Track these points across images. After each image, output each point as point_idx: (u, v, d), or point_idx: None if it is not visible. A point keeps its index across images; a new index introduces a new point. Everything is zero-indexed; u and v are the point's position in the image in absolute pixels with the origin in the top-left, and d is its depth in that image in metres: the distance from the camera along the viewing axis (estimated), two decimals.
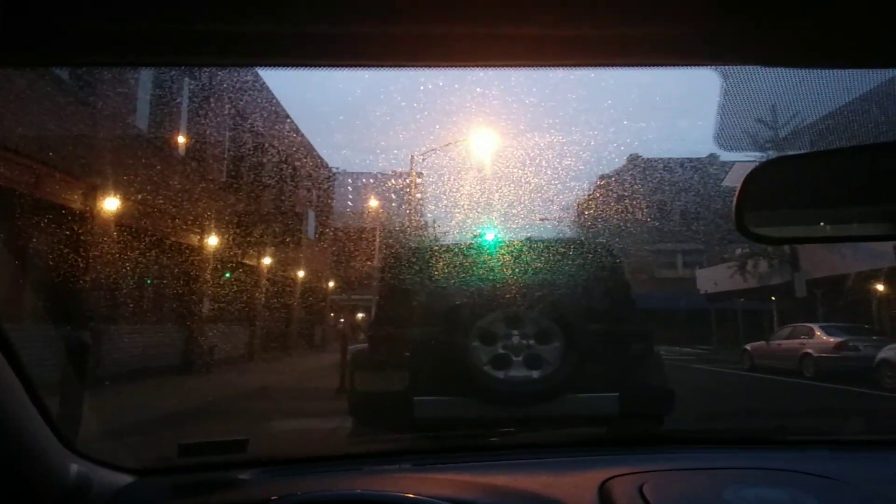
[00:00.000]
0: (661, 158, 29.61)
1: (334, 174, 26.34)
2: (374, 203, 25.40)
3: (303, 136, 21.83)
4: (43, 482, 1.29)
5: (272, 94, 18.86)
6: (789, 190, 1.29)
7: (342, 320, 28.94)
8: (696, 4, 0.61)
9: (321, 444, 4.96)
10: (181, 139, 14.80)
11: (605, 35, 0.65)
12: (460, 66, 0.71)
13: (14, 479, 1.22)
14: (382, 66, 0.73)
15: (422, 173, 21.25)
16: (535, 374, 4.55)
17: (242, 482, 1.60)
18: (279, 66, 0.77)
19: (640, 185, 26.37)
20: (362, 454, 1.99)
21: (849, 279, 19.25)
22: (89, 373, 7.08)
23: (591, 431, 2.25)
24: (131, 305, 12.69)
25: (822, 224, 1.33)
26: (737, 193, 1.24)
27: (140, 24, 0.65)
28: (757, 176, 1.29)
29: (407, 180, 20.68)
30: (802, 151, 1.30)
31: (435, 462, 1.85)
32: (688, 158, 28.24)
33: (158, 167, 13.16)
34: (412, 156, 19.83)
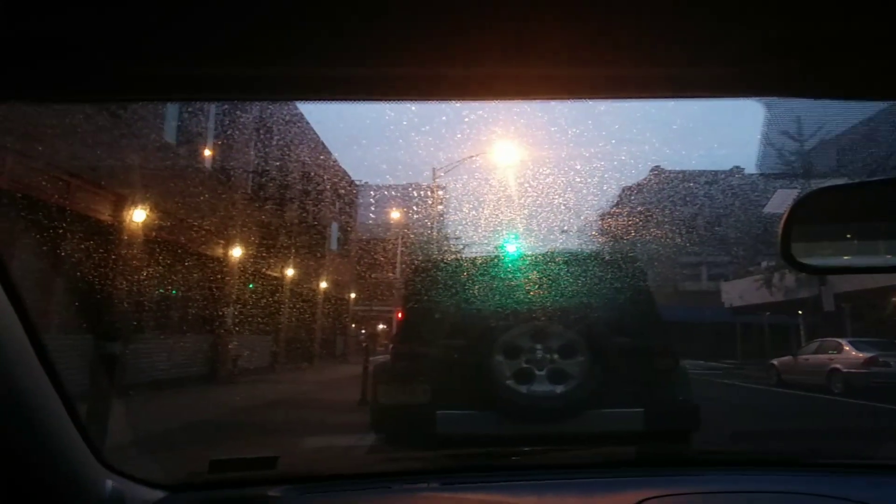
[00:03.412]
0: (685, 171, 29.36)
1: (357, 187, 26.53)
2: (396, 215, 25.56)
3: (326, 148, 22.05)
4: (78, 498, 1.31)
5: (297, 109, 19.10)
6: (836, 220, 1.26)
7: (364, 331, 29.04)
8: (739, 45, 0.62)
9: (348, 459, 4.97)
10: (208, 153, 15.03)
11: (642, 73, 0.66)
12: (495, 100, 0.73)
13: (50, 494, 1.24)
14: (404, 100, 0.76)
15: (444, 186, 21.34)
16: (559, 388, 4.52)
17: (273, 499, 1.61)
18: (310, 101, 0.80)
19: (663, 198, 26.17)
20: (390, 472, 2.00)
21: (878, 293, 18.85)
22: (118, 383, 7.18)
23: (621, 451, 2.22)
24: (158, 316, 12.87)
25: (869, 255, 1.30)
26: (782, 223, 1.21)
27: (172, 64, 0.69)
28: (803, 205, 1.26)
29: (429, 193, 20.77)
30: (848, 181, 1.28)
31: (464, 481, 1.85)
32: (711, 171, 27.99)
33: (186, 180, 13.37)
34: (434, 169, 19.94)
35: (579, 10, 0.59)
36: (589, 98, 0.71)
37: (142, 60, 0.69)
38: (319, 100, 0.79)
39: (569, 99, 0.70)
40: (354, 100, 0.76)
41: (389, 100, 0.74)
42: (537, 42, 0.62)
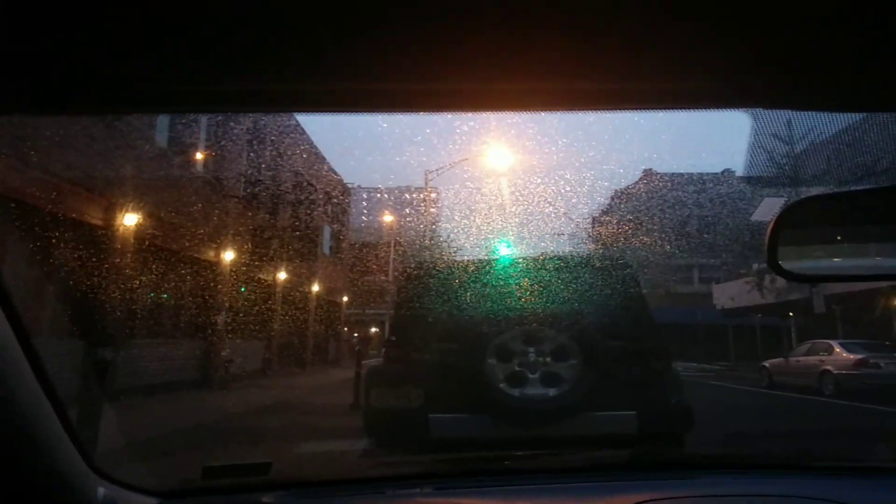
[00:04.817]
0: (676, 173, 29.53)
1: (349, 190, 26.48)
2: (388, 218, 25.57)
3: (318, 151, 21.97)
4: None
5: (291, 117, 19.00)
6: (822, 228, 1.28)
7: (356, 335, 28.97)
8: (728, 59, 0.63)
9: (341, 464, 4.95)
10: (199, 156, 14.98)
11: (633, 87, 0.67)
12: (487, 112, 0.74)
13: (41, 500, 1.23)
14: (397, 112, 0.77)
15: (436, 189, 21.36)
16: (552, 391, 4.52)
17: None
18: (303, 112, 0.81)
19: (654, 201, 26.28)
20: (384, 477, 2.00)
21: (868, 295, 18.98)
22: (110, 389, 7.14)
23: (615, 454, 2.23)
24: (150, 321, 12.81)
25: (855, 262, 1.31)
26: (769, 231, 1.23)
27: (169, 78, 0.70)
28: (790, 214, 1.27)
29: (421, 196, 20.78)
30: (835, 190, 1.29)
31: (457, 486, 1.85)
32: (702, 173, 28.18)
33: (178, 186, 13.33)
34: (426, 172, 19.94)
35: (571, 26, 0.60)
36: (581, 110, 0.72)
37: (139, 74, 0.70)
38: (312, 112, 0.79)
39: (561, 111, 0.71)
40: (348, 112, 0.76)
41: (384, 112, 0.74)
42: (530, 57, 0.63)
